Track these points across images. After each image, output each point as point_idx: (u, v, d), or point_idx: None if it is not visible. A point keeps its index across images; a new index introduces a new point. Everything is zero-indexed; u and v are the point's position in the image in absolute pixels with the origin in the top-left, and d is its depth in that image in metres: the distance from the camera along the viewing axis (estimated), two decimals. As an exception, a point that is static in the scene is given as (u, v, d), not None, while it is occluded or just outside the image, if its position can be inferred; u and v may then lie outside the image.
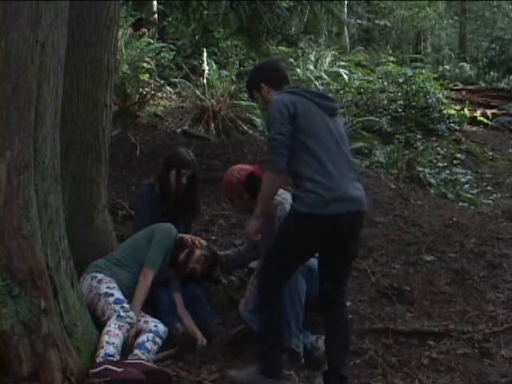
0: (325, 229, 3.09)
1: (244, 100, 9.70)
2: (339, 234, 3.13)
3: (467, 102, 13.63)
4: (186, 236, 4.18)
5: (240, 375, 3.33)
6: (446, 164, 9.79)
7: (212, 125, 8.97)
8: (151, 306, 3.92)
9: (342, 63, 13.37)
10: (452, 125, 11.88)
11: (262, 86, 3.41)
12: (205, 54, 9.77)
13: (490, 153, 11.10)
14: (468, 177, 9.39)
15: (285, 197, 3.81)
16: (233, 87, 9.44)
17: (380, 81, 12.45)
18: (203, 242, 4.22)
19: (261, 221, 3.30)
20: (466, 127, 12.28)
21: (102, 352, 3.22)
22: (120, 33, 8.31)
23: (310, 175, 3.09)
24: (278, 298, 3.29)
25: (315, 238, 3.13)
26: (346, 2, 16.39)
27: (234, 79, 9.66)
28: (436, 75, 13.81)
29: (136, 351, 3.48)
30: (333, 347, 3.27)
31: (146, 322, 3.67)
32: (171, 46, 10.75)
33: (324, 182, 3.08)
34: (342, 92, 11.47)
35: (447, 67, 18.18)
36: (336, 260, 3.26)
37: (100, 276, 3.78)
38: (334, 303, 3.31)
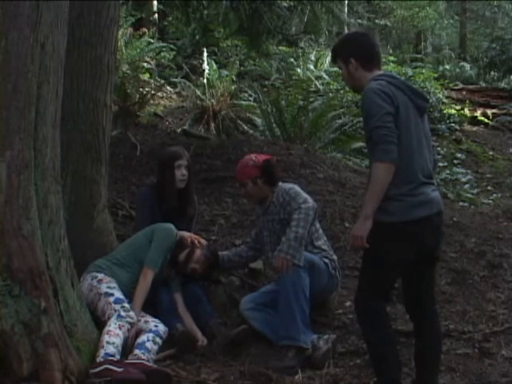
0: (413, 234, 2.91)
1: (244, 100, 9.72)
2: (426, 237, 2.97)
3: (467, 101, 13.63)
4: (186, 234, 4.14)
5: None
6: (446, 164, 9.79)
7: (212, 125, 8.99)
8: (151, 306, 3.91)
9: (343, 63, 13.34)
10: (452, 125, 11.88)
11: (352, 61, 3.05)
12: (205, 54, 9.80)
13: (491, 152, 11.10)
14: (468, 177, 9.39)
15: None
16: (233, 87, 9.46)
17: (380, 80, 12.43)
18: (203, 241, 4.20)
19: (370, 223, 2.85)
20: (467, 127, 12.28)
21: (102, 352, 3.21)
22: (120, 33, 8.32)
23: (398, 181, 2.87)
24: (381, 323, 3.02)
25: (406, 245, 2.92)
26: (346, 1, 16.39)
27: (234, 79, 9.68)
28: (436, 75, 13.81)
29: (136, 351, 3.47)
30: (425, 358, 3.08)
31: (146, 321, 3.67)
32: (171, 46, 10.77)
33: (409, 189, 2.90)
34: (342, 92, 11.45)
35: (447, 67, 18.17)
36: (426, 265, 3.07)
37: (100, 276, 3.77)
38: (427, 310, 3.13)
